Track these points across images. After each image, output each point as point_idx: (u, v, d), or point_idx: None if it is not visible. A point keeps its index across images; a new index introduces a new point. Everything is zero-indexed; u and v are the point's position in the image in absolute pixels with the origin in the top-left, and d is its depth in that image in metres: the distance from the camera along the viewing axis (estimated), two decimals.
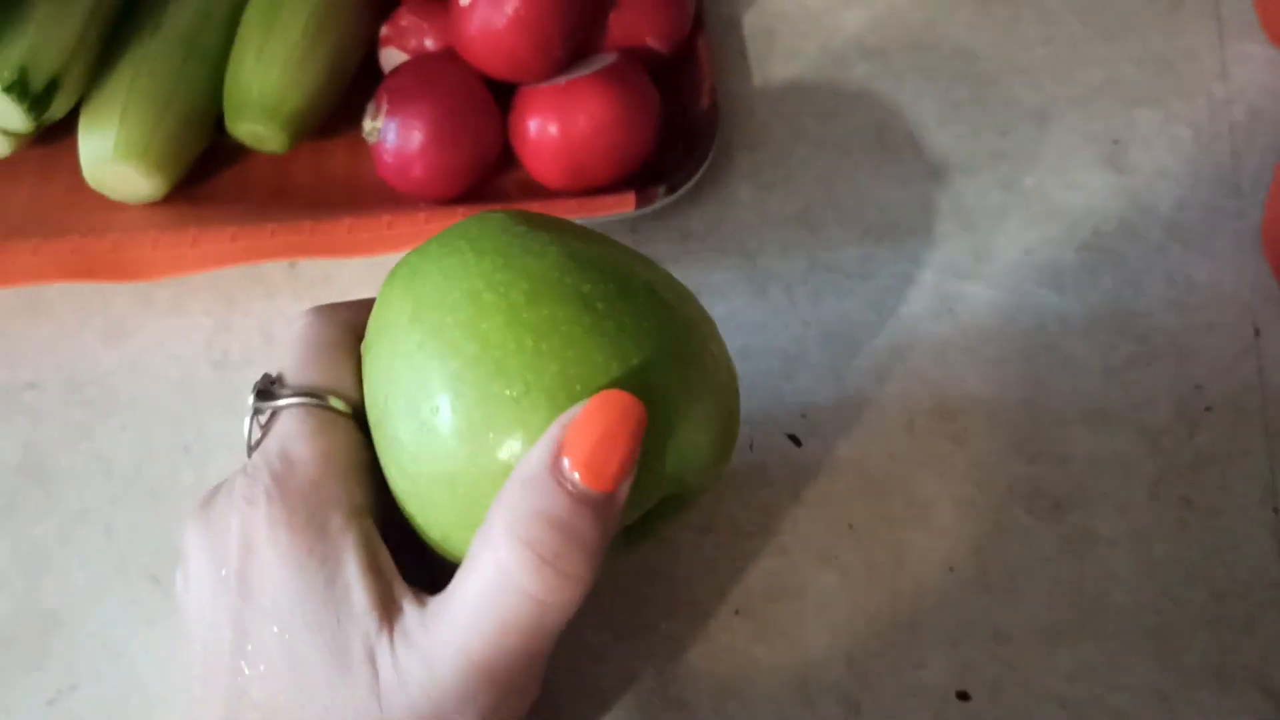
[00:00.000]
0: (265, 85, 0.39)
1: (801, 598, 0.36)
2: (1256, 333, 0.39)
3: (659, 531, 0.30)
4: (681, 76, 0.42)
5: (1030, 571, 0.36)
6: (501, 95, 0.40)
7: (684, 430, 0.27)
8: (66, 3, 0.37)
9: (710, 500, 0.36)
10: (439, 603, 0.26)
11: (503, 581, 0.24)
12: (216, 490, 0.29)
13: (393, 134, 0.38)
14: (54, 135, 0.41)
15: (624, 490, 0.25)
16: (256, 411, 0.29)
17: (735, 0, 0.46)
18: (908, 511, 0.37)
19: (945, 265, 0.41)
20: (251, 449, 0.29)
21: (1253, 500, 0.37)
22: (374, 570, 0.27)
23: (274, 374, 0.30)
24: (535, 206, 0.39)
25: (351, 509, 0.28)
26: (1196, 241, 0.41)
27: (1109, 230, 0.41)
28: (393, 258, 0.37)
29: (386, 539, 0.28)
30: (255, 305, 0.40)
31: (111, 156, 0.38)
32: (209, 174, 0.41)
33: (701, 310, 0.30)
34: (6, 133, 0.38)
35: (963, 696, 0.34)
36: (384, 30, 0.41)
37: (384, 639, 0.26)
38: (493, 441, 0.25)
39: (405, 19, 0.41)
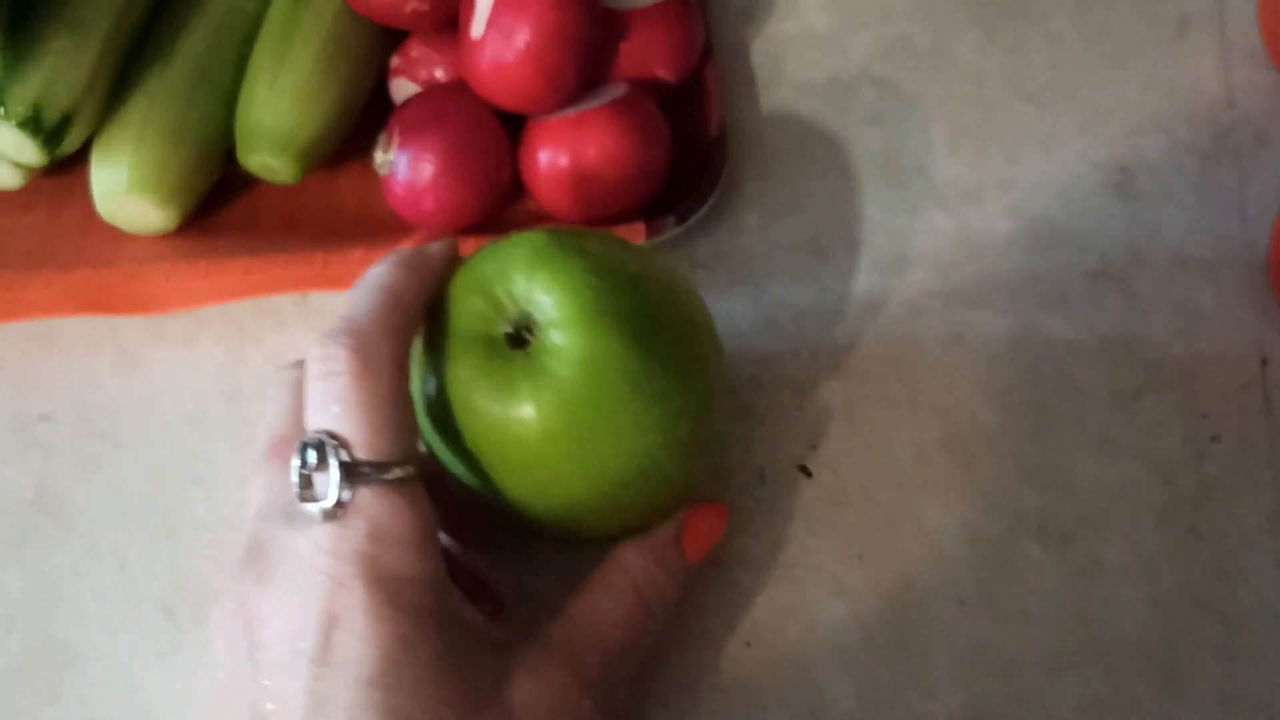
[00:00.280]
0: (277, 118, 0.39)
1: (812, 629, 0.36)
2: (1264, 362, 0.39)
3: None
4: (690, 105, 0.42)
5: (1039, 601, 0.36)
6: (512, 126, 0.40)
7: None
8: (80, 39, 0.37)
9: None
10: (571, 606, 0.32)
11: (628, 589, 0.33)
12: (263, 551, 0.28)
13: (404, 166, 0.39)
14: (65, 165, 0.41)
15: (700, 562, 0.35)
16: (345, 478, 0.28)
17: (743, 26, 0.46)
18: (917, 542, 0.37)
19: (953, 293, 0.41)
20: (327, 515, 0.28)
21: (1260, 530, 0.37)
22: (468, 628, 0.29)
23: (325, 428, 0.28)
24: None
25: (436, 580, 0.28)
26: (1204, 269, 0.41)
27: (1116, 257, 0.41)
28: None
29: None
30: (267, 336, 0.41)
31: (124, 189, 0.38)
32: (220, 204, 0.42)
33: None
34: (19, 165, 0.39)
35: None
36: (394, 61, 0.41)
37: (510, 672, 0.30)
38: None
39: (415, 50, 0.41)
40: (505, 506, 0.32)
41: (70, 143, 0.38)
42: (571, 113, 0.39)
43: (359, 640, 0.27)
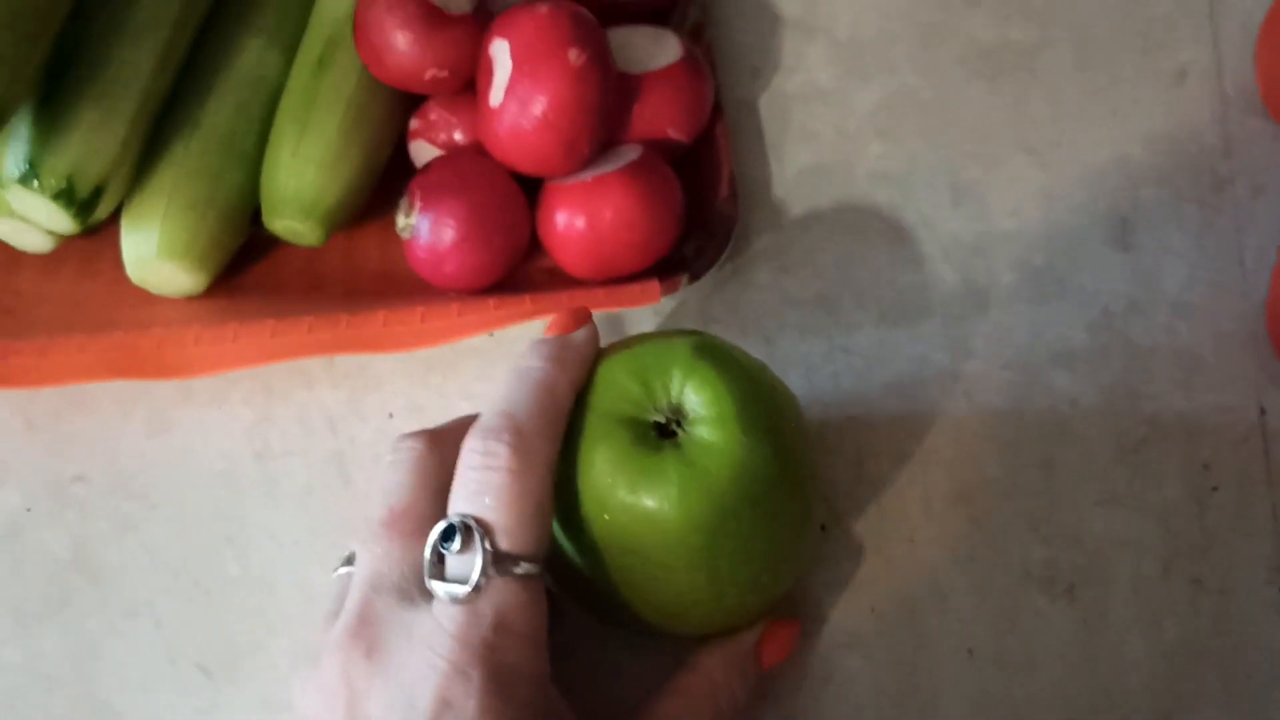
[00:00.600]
0: (302, 184, 0.40)
1: (826, 681, 0.37)
2: (1262, 412, 0.41)
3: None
4: (701, 163, 0.43)
5: (1047, 652, 0.38)
6: (529, 186, 0.41)
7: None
8: (110, 111, 0.38)
9: None
10: (654, 712, 0.33)
11: (707, 699, 0.34)
12: (374, 623, 0.29)
13: (426, 231, 0.40)
14: (92, 227, 0.42)
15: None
16: (489, 563, 0.29)
17: (750, 82, 0.47)
18: (928, 594, 0.39)
19: (959, 347, 0.42)
20: (458, 599, 0.29)
21: (1259, 580, 0.38)
22: None
23: (473, 515, 0.29)
24: (563, 295, 0.40)
25: (544, 678, 0.29)
26: (1203, 320, 0.42)
27: (1118, 310, 0.43)
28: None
29: None
30: (295, 395, 0.42)
31: (155, 256, 0.39)
32: (245, 265, 0.43)
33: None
34: (50, 232, 0.40)
35: None
36: (413, 124, 0.43)
37: None
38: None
39: (434, 113, 0.42)
40: (609, 593, 0.33)
41: (101, 211, 0.39)
42: (588, 176, 0.40)
43: None
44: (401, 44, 0.39)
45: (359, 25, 0.40)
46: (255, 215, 0.42)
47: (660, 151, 0.42)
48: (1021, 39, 0.48)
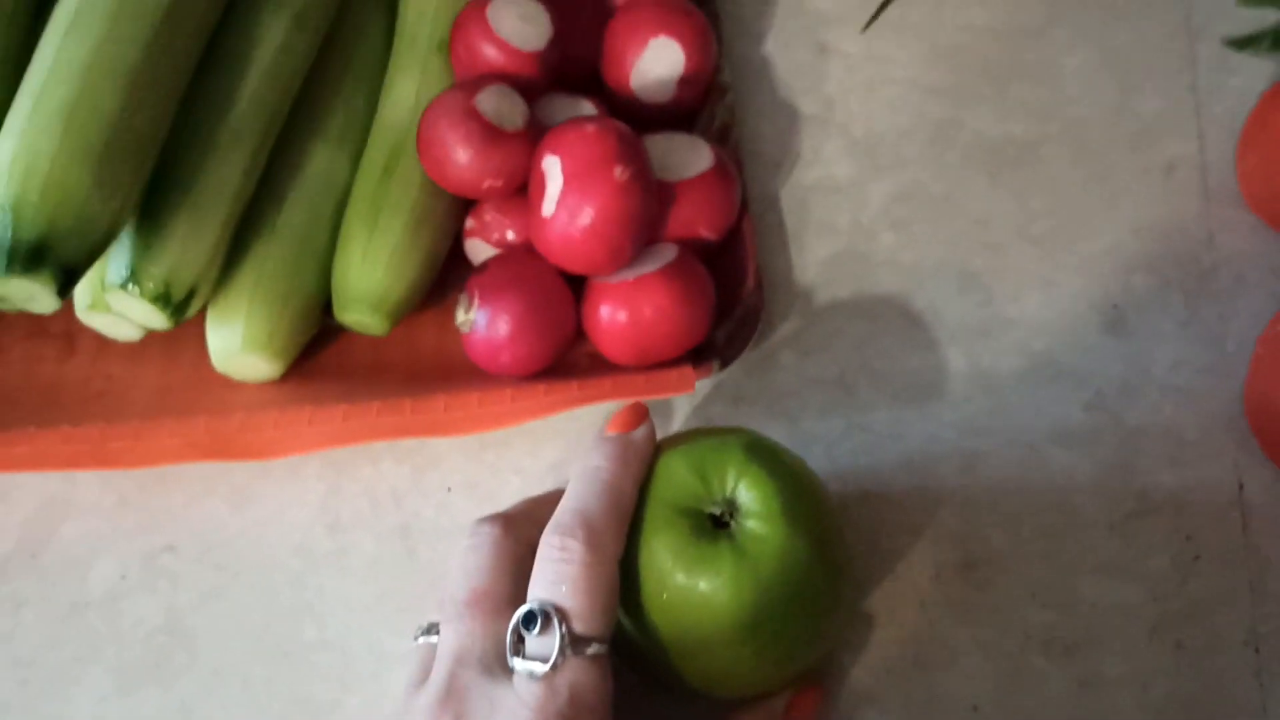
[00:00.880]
0: (370, 283, 0.44)
1: None
2: (1241, 487, 0.45)
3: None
4: (730, 256, 0.48)
5: (1046, 709, 0.42)
6: (575, 281, 0.46)
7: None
8: (203, 221, 0.42)
9: None
10: None
11: None
12: (461, 695, 0.33)
13: (484, 325, 0.44)
14: None
15: None
16: (562, 646, 0.33)
17: (772, 175, 0.51)
18: (937, 655, 0.43)
19: (966, 425, 0.46)
20: (537, 676, 0.32)
21: (1238, 641, 0.42)
22: None
23: (551, 602, 0.33)
24: (606, 382, 0.44)
25: None
26: (1188, 401, 0.46)
27: (1111, 391, 0.47)
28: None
29: None
30: (362, 471, 0.46)
31: (239, 349, 0.44)
32: (316, 352, 0.47)
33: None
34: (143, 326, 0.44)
35: None
36: (469, 223, 0.47)
37: None
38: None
39: (488, 214, 0.46)
40: (661, 662, 0.37)
41: (193, 311, 0.43)
42: (630, 276, 0.44)
43: None
44: (462, 158, 0.44)
45: (422, 139, 0.44)
46: (327, 309, 0.46)
47: (693, 249, 0.46)
48: (1022, 134, 0.52)
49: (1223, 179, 0.51)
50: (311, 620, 0.43)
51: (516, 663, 0.33)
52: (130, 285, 0.41)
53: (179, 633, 0.43)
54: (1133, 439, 0.46)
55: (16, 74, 0.41)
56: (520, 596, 0.35)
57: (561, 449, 0.46)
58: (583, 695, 0.33)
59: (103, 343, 0.47)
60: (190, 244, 0.42)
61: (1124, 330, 0.48)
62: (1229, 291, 0.48)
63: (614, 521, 0.36)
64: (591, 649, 0.33)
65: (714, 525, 0.37)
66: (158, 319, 0.42)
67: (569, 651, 0.33)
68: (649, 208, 0.44)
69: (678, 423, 0.47)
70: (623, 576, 0.36)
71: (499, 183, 0.44)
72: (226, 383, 0.46)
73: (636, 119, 0.46)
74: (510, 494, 0.46)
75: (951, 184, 0.51)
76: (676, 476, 0.37)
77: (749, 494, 0.37)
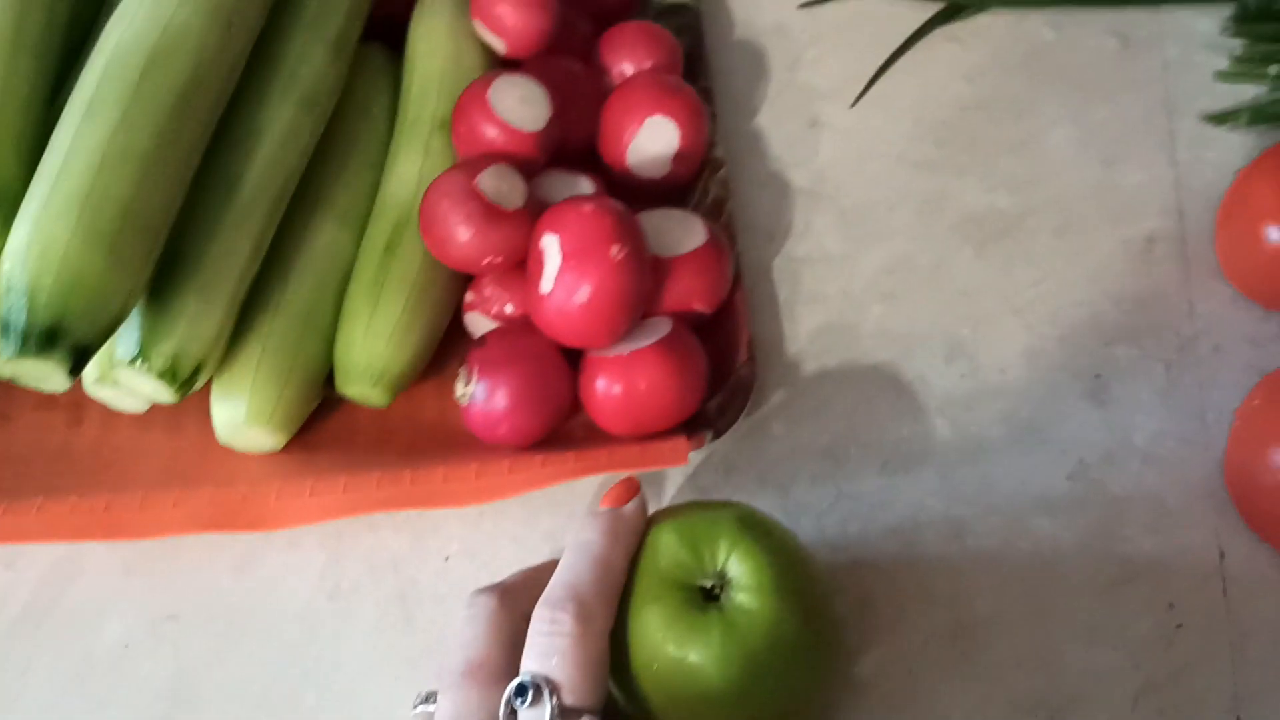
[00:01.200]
0: (372, 357, 0.45)
1: None
2: (1221, 555, 0.46)
3: None
4: (722, 329, 0.49)
5: None
6: (571, 354, 0.47)
7: None
8: (210, 299, 0.43)
9: None
10: None
11: None
12: None
13: (482, 398, 0.45)
14: None
15: None
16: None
17: (764, 247, 0.53)
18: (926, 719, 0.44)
19: (953, 494, 0.47)
20: None
21: (1221, 709, 0.43)
22: None
23: (543, 674, 0.35)
24: (601, 453, 0.45)
25: None
26: (1169, 470, 0.47)
27: (1093, 460, 0.48)
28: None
29: None
30: (361, 539, 0.47)
31: (244, 422, 0.45)
32: (317, 422, 0.48)
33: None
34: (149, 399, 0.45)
35: None
36: (469, 297, 0.48)
37: None
38: None
39: (488, 289, 0.48)
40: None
41: (199, 384, 0.44)
42: (625, 350, 0.45)
43: None
44: (463, 236, 0.45)
45: (424, 218, 0.46)
46: (329, 381, 0.47)
47: (687, 321, 0.47)
48: (1007, 207, 0.54)
49: (1202, 251, 0.52)
50: (311, 687, 0.44)
51: None
52: (139, 361, 0.42)
53: (182, 698, 0.44)
54: (1115, 507, 0.47)
55: (34, 156, 0.42)
56: (515, 667, 0.36)
57: (557, 518, 0.47)
58: None
59: (109, 413, 0.48)
60: (198, 321, 0.43)
61: (1106, 399, 0.49)
62: (1208, 362, 0.50)
63: (604, 595, 0.37)
64: (584, 718, 0.34)
65: (705, 598, 0.38)
66: (165, 393, 0.44)
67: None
68: (644, 284, 0.45)
69: (670, 491, 0.48)
70: (614, 647, 0.37)
71: (499, 259, 0.46)
72: (229, 454, 0.47)
73: (632, 194, 0.48)
74: (506, 561, 0.47)
75: (938, 255, 0.53)
76: (669, 549, 0.38)
77: (740, 567, 0.38)
